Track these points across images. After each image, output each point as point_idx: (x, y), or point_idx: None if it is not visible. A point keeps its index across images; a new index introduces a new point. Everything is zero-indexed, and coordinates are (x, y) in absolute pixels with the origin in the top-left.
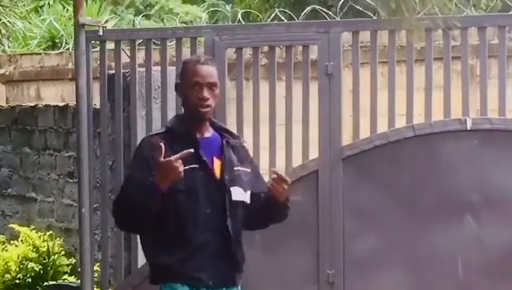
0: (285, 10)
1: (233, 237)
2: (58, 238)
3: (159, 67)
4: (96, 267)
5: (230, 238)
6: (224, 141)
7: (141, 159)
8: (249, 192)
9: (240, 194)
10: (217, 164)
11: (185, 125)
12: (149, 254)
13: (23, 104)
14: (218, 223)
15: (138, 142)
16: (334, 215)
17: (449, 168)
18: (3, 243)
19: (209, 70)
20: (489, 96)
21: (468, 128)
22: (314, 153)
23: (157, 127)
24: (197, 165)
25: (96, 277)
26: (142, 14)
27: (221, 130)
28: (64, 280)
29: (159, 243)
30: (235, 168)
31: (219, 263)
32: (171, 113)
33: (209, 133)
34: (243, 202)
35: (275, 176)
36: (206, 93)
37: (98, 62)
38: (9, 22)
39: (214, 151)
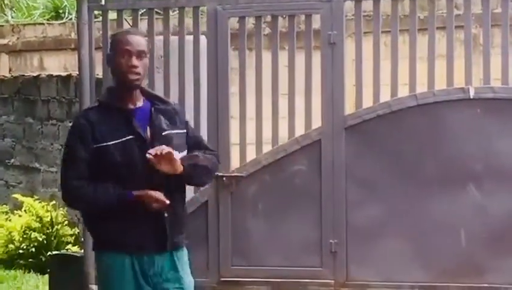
0: None
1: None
2: (61, 208)
3: (161, 37)
4: None
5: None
6: (152, 108)
7: (78, 138)
8: (184, 153)
9: None
10: (149, 132)
11: (117, 97)
12: (91, 225)
13: (26, 74)
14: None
15: None
16: (337, 185)
17: (452, 137)
18: (7, 213)
19: (138, 40)
20: (492, 65)
21: (471, 97)
22: (316, 123)
23: None
24: (132, 136)
25: None
26: None
27: (151, 97)
28: (67, 249)
29: (101, 215)
30: (164, 133)
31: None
32: (173, 83)
33: (140, 102)
34: None
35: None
36: (135, 61)
37: (101, 32)
38: None
39: (146, 119)
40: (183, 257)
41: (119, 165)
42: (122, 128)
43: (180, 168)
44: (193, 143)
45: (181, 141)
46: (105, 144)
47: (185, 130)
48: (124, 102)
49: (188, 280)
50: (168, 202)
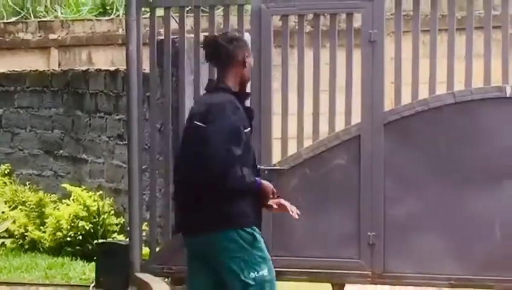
0: None
1: None
2: (108, 198)
3: (207, 34)
4: (144, 227)
5: None
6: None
7: (242, 121)
8: None
9: None
10: None
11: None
12: (234, 204)
13: (75, 69)
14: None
15: (187, 106)
16: (376, 179)
17: (488, 134)
18: (55, 202)
19: None
20: None
21: (508, 95)
22: (356, 119)
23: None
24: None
25: (144, 235)
26: None
27: None
28: (113, 238)
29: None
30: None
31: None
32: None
33: None
34: None
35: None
36: None
37: (148, 28)
38: None
39: None
40: None
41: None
42: (246, 119)
43: None
44: None
45: None
46: (247, 130)
47: None
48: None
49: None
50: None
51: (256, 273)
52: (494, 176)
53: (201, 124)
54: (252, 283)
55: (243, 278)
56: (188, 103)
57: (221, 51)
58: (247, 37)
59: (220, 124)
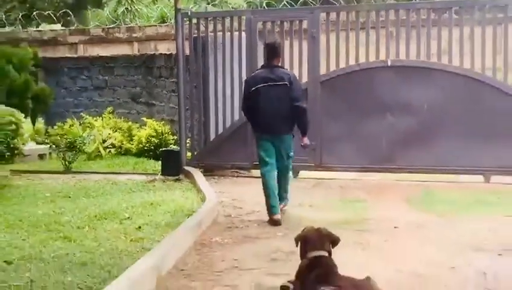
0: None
1: None
2: (167, 125)
3: (220, 33)
4: (188, 141)
5: None
6: None
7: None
8: None
9: None
10: None
11: None
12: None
13: (147, 53)
14: None
15: (210, 74)
16: (317, 114)
17: (378, 88)
18: (138, 128)
19: None
20: (401, 48)
21: (389, 65)
22: (305, 79)
23: (220, 66)
24: None
25: (187, 145)
26: (211, 3)
27: None
28: (171, 147)
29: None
30: None
31: None
32: (227, 59)
33: None
34: None
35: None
36: None
37: (188, 30)
38: (140, 8)
39: None
40: None
41: None
42: None
43: None
44: None
45: None
46: None
47: None
48: None
49: None
50: None
51: (292, 152)
52: (381, 111)
53: (288, 84)
54: (291, 155)
55: (289, 152)
56: (211, 73)
57: (277, 49)
58: (243, 35)
59: (299, 84)
